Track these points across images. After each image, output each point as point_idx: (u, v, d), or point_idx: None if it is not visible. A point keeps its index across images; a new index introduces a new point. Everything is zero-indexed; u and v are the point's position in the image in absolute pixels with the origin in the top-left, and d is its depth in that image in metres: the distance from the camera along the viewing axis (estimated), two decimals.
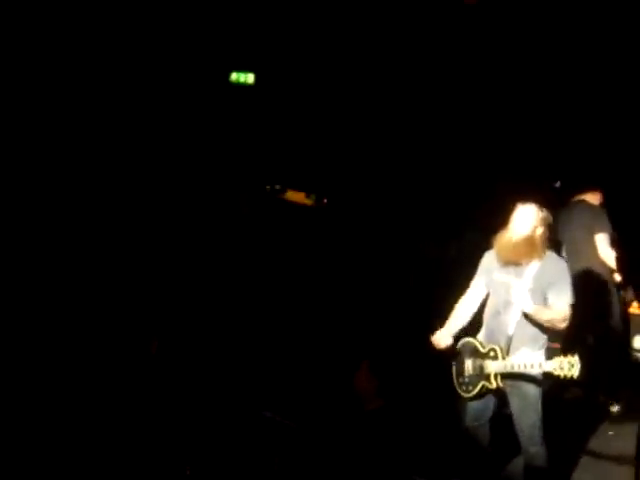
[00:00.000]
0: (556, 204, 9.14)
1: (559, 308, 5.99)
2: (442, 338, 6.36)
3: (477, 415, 6.40)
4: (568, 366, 5.66)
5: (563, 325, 6.02)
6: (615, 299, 8.37)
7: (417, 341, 8.33)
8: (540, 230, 6.07)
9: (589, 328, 8.47)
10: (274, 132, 11.07)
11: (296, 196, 11.22)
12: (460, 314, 6.47)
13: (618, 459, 7.14)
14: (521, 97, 9.58)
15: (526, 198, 6.20)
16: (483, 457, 6.56)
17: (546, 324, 6.01)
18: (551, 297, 6.02)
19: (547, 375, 5.94)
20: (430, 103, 10.35)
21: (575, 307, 6.87)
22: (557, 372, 5.71)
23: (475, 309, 6.45)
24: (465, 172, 10.25)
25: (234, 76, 11.13)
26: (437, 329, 6.49)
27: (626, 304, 8.71)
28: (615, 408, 8.36)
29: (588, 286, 8.21)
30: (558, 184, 10.01)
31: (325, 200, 11.21)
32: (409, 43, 9.87)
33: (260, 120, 11.07)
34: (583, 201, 8.53)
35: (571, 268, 8.50)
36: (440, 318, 6.71)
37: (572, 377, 5.70)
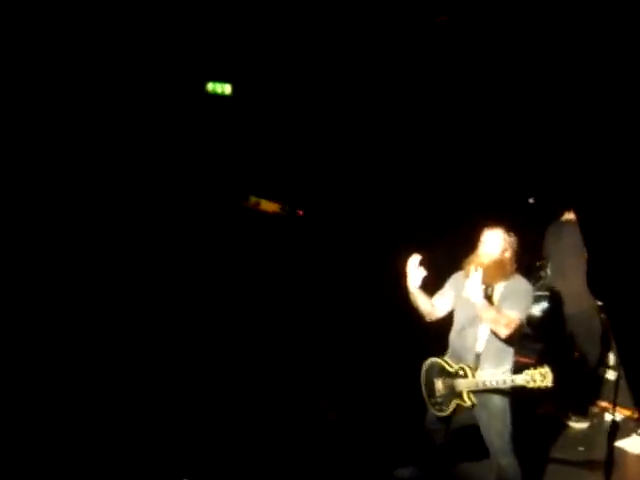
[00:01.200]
0: (531, 220, 9.24)
1: (506, 314, 6.07)
2: (413, 274, 6.36)
3: (433, 419, 6.55)
4: (540, 377, 5.73)
5: (505, 331, 6.05)
6: (596, 318, 8.42)
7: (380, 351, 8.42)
8: (508, 253, 6.23)
9: (566, 345, 8.54)
10: (250, 143, 11.07)
11: (271, 207, 11.22)
12: (429, 300, 6.53)
13: (588, 473, 7.20)
14: (494, 114, 9.62)
15: (495, 222, 6.33)
16: (441, 458, 6.72)
17: (490, 323, 6.09)
18: (504, 305, 6.12)
19: (520, 389, 5.99)
20: (404, 118, 10.40)
21: (555, 325, 6.95)
22: (530, 385, 5.78)
23: (439, 308, 6.52)
24: (438, 185, 10.30)
25: (210, 86, 11.12)
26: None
27: (606, 323, 8.76)
28: (586, 424, 8.41)
29: (571, 305, 8.29)
30: (532, 200, 10.08)
31: (301, 212, 11.23)
32: (382, 60, 9.92)
33: (237, 131, 11.07)
34: (573, 220, 8.57)
35: (556, 286, 8.62)
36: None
37: (546, 388, 5.76)
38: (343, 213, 10.70)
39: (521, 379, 5.85)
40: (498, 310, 6.11)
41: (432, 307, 6.46)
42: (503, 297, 6.20)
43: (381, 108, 10.44)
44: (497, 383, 6.02)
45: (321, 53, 10.28)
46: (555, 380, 6.49)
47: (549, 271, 8.81)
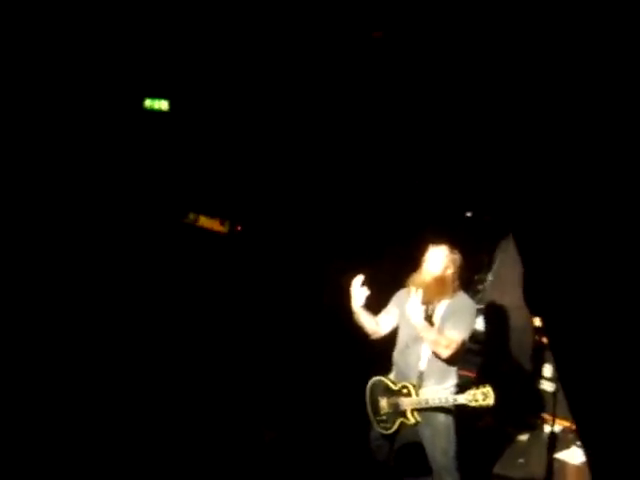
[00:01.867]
0: (469, 234, 9.30)
1: (448, 335, 6.11)
2: (357, 293, 6.36)
3: (377, 436, 6.56)
4: (482, 397, 5.78)
5: (446, 352, 6.10)
6: (530, 332, 8.49)
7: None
8: (450, 270, 6.26)
9: (503, 358, 8.59)
10: (188, 159, 11.01)
11: (210, 223, 11.16)
12: (373, 318, 6.53)
13: None
14: (432, 131, 9.67)
15: (438, 239, 6.37)
16: (385, 475, 6.70)
17: (430, 344, 6.12)
18: (446, 326, 6.15)
19: (462, 407, 6.02)
20: (343, 135, 10.42)
21: (491, 338, 6.97)
22: (472, 404, 5.82)
23: (383, 326, 6.50)
24: (382, 202, 10.33)
25: (148, 103, 11.05)
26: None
27: (541, 335, 8.85)
28: (525, 436, 8.46)
29: (507, 318, 8.36)
30: (469, 214, 10.14)
31: (239, 227, 11.18)
32: (319, 75, 9.93)
33: (174, 147, 11.01)
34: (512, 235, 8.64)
35: (495, 299, 8.67)
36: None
37: (487, 406, 5.80)
38: (283, 230, 10.68)
39: (464, 398, 5.90)
40: (439, 331, 6.14)
41: (376, 325, 6.47)
42: (445, 316, 6.23)
43: (319, 124, 10.44)
44: (440, 401, 6.06)
45: (255, 68, 10.28)
46: (495, 394, 6.53)
47: (489, 284, 8.88)
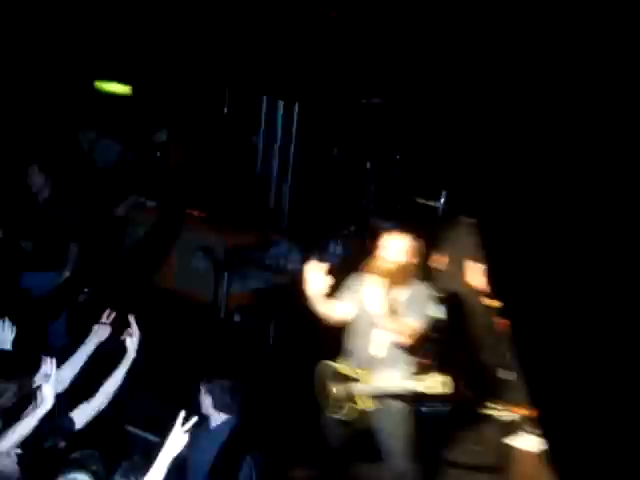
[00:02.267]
0: (428, 223, 9.34)
1: (409, 322, 6.09)
2: (313, 279, 6.26)
3: (329, 422, 6.53)
4: (439, 384, 5.77)
5: (406, 340, 6.10)
6: (491, 319, 8.54)
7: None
8: (411, 259, 6.22)
9: (460, 345, 8.65)
10: (150, 143, 10.98)
11: None
12: (329, 304, 6.42)
13: (484, 472, 7.30)
14: (396, 117, 9.71)
15: (398, 227, 6.36)
16: (337, 462, 6.78)
17: (392, 332, 6.10)
18: (406, 314, 6.13)
19: (416, 394, 6.04)
20: (301, 120, 10.42)
21: (449, 325, 7.00)
22: (429, 391, 5.81)
23: (339, 312, 6.45)
24: (339, 189, 10.35)
25: (110, 87, 11.01)
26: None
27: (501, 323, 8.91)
28: (479, 423, 8.54)
29: (461, 305, 8.40)
30: (433, 203, 10.20)
31: (196, 213, 11.14)
32: (278, 57, 9.92)
33: (137, 131, 10.97)
34: (470, 222, 8.67)
35: (454, 287, 8.72)
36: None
37: (442, 394, 5.82)
38: (241, 216, 10.65)
39: (421, 386, 5.88)
40: (400, 319, 6.11)
41: (332, 312, 6.42)
42: (406, 304, 6.19)
43: (275, 112, 10.47)
44: (394, 388, 6.04)
45: (212, 50, 10.25)
46: (450, 381, 6.56)
47: (446, 272, 8.92)
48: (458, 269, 8.52)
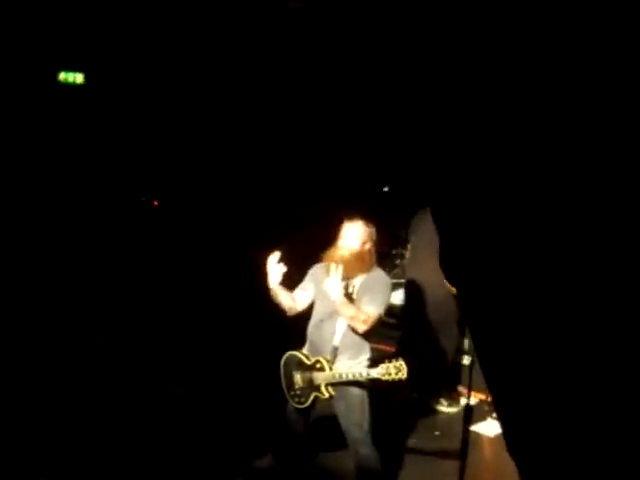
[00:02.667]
0: (386, 209, 9.32)
1: (365, 310, 6.13)
2: (273, 271, 6.30)
3: (292, 410, 6.54)
4: (395, 370, 5.79)
5: (363, 327, 6.12)
6: (452, 305, 8.54)
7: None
8: (367, 245, 6.26)
9: (422, 332, 8.66)
10: (104, 133, 10.85)
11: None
12: (289, 295, 6.48)
13: (444, 457, 7.32)
14: (346, 108, 9.65)
15: (353, 214, 6.36)
16: (300, 448, 6.71)
17: (348, 320, 6.13)
18: (363, 300, 6.16)
19: (376, 381, 6.05)
20: (255, 108, 10.36)
21: (411, 312, 6.98)
22: (385, 377, 5.83)
23: (300, 302, 6.48)
24: (294, 178, 10.31)
25: (62, 76, 10.86)
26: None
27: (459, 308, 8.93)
28: (441, 409, 8.57)
29: (427, 292, 8.40)
30: (387, 188, 10.20)
31: (155, 202, 11.08)
32: (230, 47, 9.84)
33: (89, 120, 10.84)
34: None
35: (414, 273, 8.70)
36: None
37: (401, 380, 5.83)
38: (199, 205, 10.60)
39: (376, 372, 5.91)
40: (357, 307, 6.15)
41: (293, 302, 6.42)
42: (362, 291, 6.23)
43: (232, 97, 10.38)
44: (354, 376, 6.06)
45: (175, 42, 10.16)
46: (412, 366, 6.55)
47: (408, 258, 8.94)
48: (421, 256, 8.53)
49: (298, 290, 6.51)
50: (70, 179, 10.70)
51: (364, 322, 6.08)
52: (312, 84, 9.52)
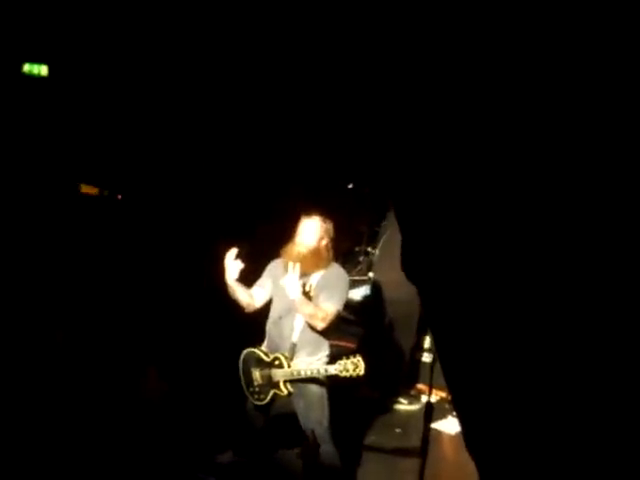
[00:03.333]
0: (350, 206, 9.33)
1: (323, 307, 6.15)
2: (231, 267, 6.30)
3: (252, 406, 6.54)
4: (352, 367, 5.80)
5: (322, 325, 6.15)
6: (414, 304, 8.57)
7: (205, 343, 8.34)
8: (325, 241, 6.27)
9: (385, 330, 8.68)
10: (68, 125, 10.78)
11: (89, 190, 10.96)
12: (247, 291, 6.48)
13: (405, 454, 7.34)
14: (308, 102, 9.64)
15: (311, 210, 6.37)
16: (259, 444, 6.74)
17: (307, 317, 6.15)
18: (320, 297, 6.18)
19: (335, 378, 6.06)
20: (221, 102, 10.33)
21: (375, 309, 6.99)
22: (343, 374, 5.84)
23: (258, 299, 6.48)
24: (260, 173, 10.29)
25: (27, 67, 10.78)
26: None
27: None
28: (402, 406, 8.60)
29: (390, 290, 8.42)
30: (351, 185, 10.20)
31: (119, 196, 11.01)
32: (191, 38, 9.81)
33: (54, 113, 10.76)
34: None
35: (379, 271, 8.72)
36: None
37: (358, 376, 5.85)
38: (161, 199, 10.56)
39: (334, 369, 5.91)
40: (315, 304, 6.17)
41: (251, 298, 6.42)
42: (319, 288, 6.24)
43: (195, 90, 10.35)
44: (312, 372, 6.06)
45: (133, 31, 10.11)
46: (373, 364, 6.56)
47: (377, 256, 8.95)
48: (388, 255, 8.55)
49: (256, 287, 6.51)
50: (32, 171, 10.63)
51: (322, 320, 6.09)
52: (279, 78, 9.51)
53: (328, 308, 6.13)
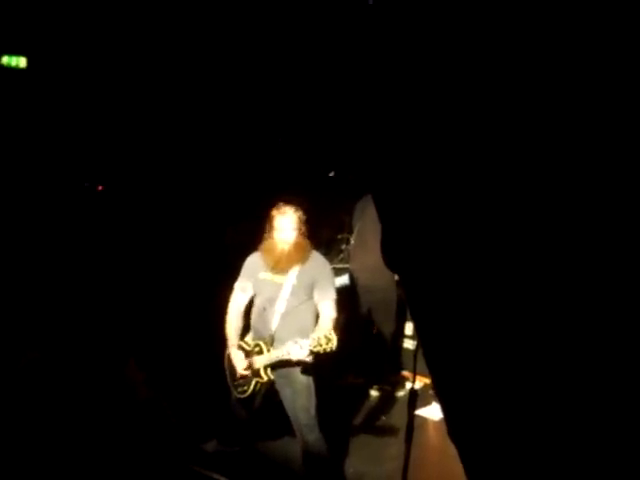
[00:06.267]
0: (332, 194, 9.33)
1: (327, 313, 6.24)
2: (237, 355, 6.39)
3: (235, 399, 6.60)
4: (325, 340, 5.81)
5: (335, 314, 6.28)
6: (393, 291, 8.58)
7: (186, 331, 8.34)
8: (302, 229, 6.27)
9: (367, 317, 8.71)
10: (47, 117, 10.74)
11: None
12: (233, 320, 6.54)
13: (390, 441, 7.38)
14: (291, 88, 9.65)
15: (284, 203, 6.37)
16: (245, 433, 6.81)
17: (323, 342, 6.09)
18: (317, 295, 6.21)
19: (321, 361, 6.08)
20: (199, 95, 10.34)
21: (354, 297, 7.01)
22: (317, 349, 5.85)
23: (244, 311, 6.54)
24: (243, 164, 10.29)
25: (5, 59, 10.74)
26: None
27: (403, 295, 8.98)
28: (386, 394, 8.63)
29: (370, 278, 8.43)
30: (332, 174, 10.21)
31: (100, 187, 10.99)
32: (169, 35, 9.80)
33: (32, 105, 10.72)
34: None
35: (357, 259, 8.74)
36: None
37: (332, 350, 5.85)
38: (143, 191, 10.55)
39: (307, 344, 5.90)
40: (308, 296, 6.30)
41: (240, 319, 6.59)
42: (304, 277, 6.25)
43: (176, 83, 10.34)
44: (289, 354, 6.03)
45: (112, 23, 10.09)
46: (357, 351, 6.56)
47: (352, 243, 8.96)
48: (364, 242, 8.56)
49: (239, 292, 6.55)
50: (10, 164, 10.59)
51: (335, 319, 6.27)
52: (259, 71, 9.51)
53: (332, 296, 6.29)
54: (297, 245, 6.26)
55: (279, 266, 6.24)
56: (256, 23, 8.81)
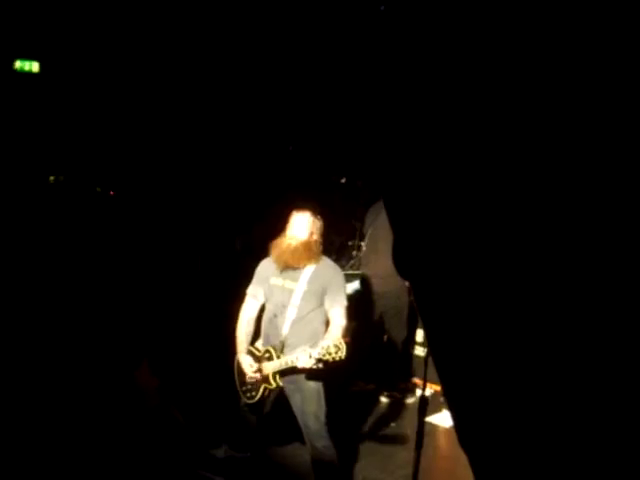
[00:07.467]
0: (343, 201, 9.33)
1: (337, 321, 6.20)
2: (246, 361, 6.38)
3: (244, 405, 6.54)
4: (335, 349, 5.77)
5: (346, 321, 6.23)
6: (405, 297, 8.58)
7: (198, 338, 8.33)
8: (315, 237, 6.27)
9: (378, 324, 8.70)
10: (59, 122, 10.77)
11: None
12: (244, 327, 6.53)
13: (400, 448, 7.37)
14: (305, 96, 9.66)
15: (302, 205, 6.38)
16: (255, 439, 6.73)
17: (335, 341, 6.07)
18: (327, 302, 6.19)
19: (331, 369, 6.06)
20: (213, 99, 10.34)
21: (366, 303, 6.97)
22: (326, 357, 5.80)
23: (255, 317, 6.54)
24: (255, 171, 10.30)
25: (18, 64, 10.77)
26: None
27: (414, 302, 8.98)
28: (397, 400, 8.62)
29: (381, 284, 8.43)
30: (344, 180, 10.22)
31: (112, 192, 11.02)
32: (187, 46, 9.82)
33: (45, 109, 10.76)
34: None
35: (369, 265, 8.73)
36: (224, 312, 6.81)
37: (341, 359, 5.83)
38: (154, 193, 10.57)
39: (317, 352, 5.86)
40: (318, 303, 6.25)
41: (252, 326, 6.55)
42: (315, 284, 6.23)
43: (189, 87, 10.35)
44: (298, 360, 6.01)
45: (124, 29, 10.11)
46: (368, 357, 6.54)
47: (364, 249, 8.96)
48: (377, 247, 8.56)
49: (250, 299, 6.53)
50: (25, 168, 10.62)
51: (346, 327, 6.23)
52: (273, 77, 9.52)
53: (343, 304, 6.25)
54: (305, 244, 6.22)
55: (281, 259, 6.22)
56: (271, 33, 8.82)
